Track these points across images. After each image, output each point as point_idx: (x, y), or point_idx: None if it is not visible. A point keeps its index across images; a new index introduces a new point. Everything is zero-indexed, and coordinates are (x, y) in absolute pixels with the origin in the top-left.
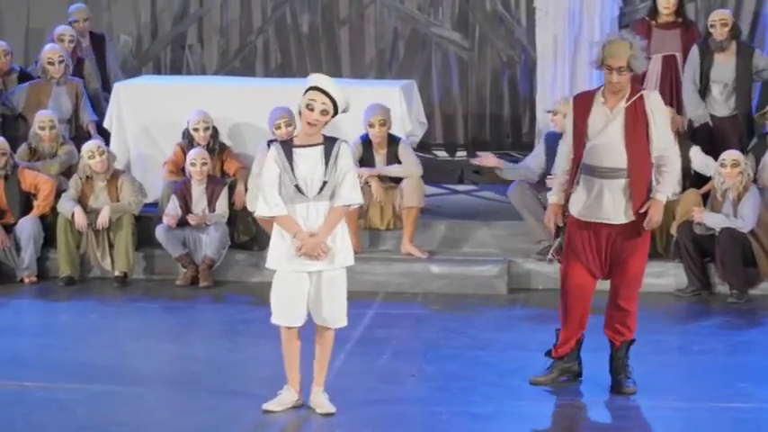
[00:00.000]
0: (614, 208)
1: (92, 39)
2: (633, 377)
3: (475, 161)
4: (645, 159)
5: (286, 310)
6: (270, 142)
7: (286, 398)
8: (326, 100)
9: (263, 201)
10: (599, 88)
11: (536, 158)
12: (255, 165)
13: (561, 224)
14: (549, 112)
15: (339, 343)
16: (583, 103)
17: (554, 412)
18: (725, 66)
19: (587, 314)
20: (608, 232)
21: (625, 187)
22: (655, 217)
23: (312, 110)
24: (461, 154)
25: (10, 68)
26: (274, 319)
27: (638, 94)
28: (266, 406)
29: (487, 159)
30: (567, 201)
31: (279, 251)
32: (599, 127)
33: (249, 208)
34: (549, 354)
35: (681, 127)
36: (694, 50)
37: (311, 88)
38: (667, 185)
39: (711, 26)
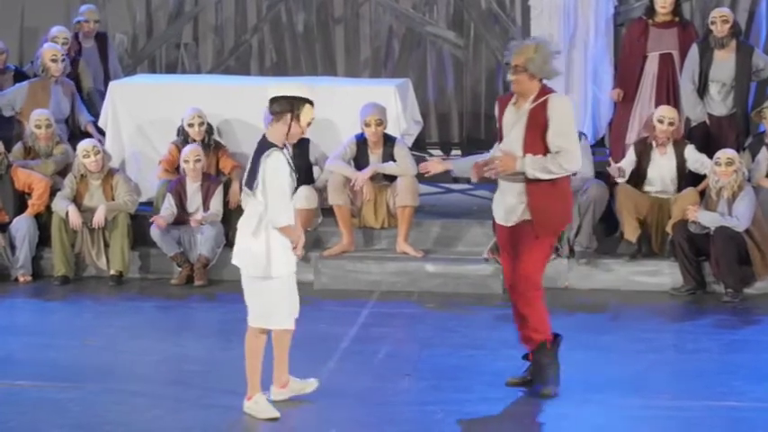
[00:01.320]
0: (515, 209)
1: (95, 38)
2: (550, 380)
3: (422, 171)
4: None
5: (292, 309)
6: None
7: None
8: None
9: (285, 210)
10: None
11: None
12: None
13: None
14: None
15: (334, 342)
16: (502, 104)
17: (548, 411)
18: (724, 64)
19: None
20: (511, 232)
21: (522, 190)
22: (499, 165)
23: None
24: (456, 153)
25: (5, 67)
26: (286, 323)
27: (545, 97)
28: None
29: (433, 165)
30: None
31: (280, 257)
32: (509, 127)
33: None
34: (526, 357)
35: (678, 135)
36: (694, 49)
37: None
38: (536, 162)
39: (712, 23)
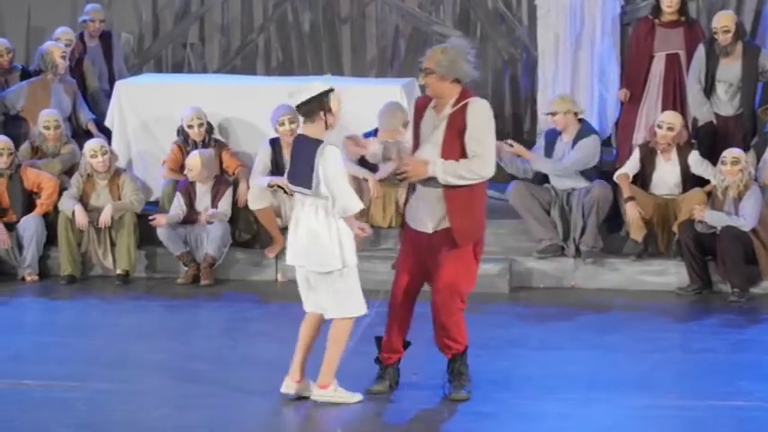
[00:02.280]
0: (431, 216)
1: (100, 37)
2: (468, 386)
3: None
4: None
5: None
6: (272, 140)
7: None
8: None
9: (354, 197)
10: None
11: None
12: (257, 163)
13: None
14: (548, 114)
15: None
16: (420, 107)
17: (555, 410)
18: (731, 66)
19: (410, 319)
20: (428, 240)
21: (440, 196)
22: (409, 167)
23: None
24: None
25: (12, 66)
26: (365, 308)
27: (465, 102)
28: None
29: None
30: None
31: (351, 246)
32: (428, 132)
33: (251, 206)
34: (378, 361)
35: (680, 140)
36: (700, 50)
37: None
38: (448, 166)
39: (714, 33)
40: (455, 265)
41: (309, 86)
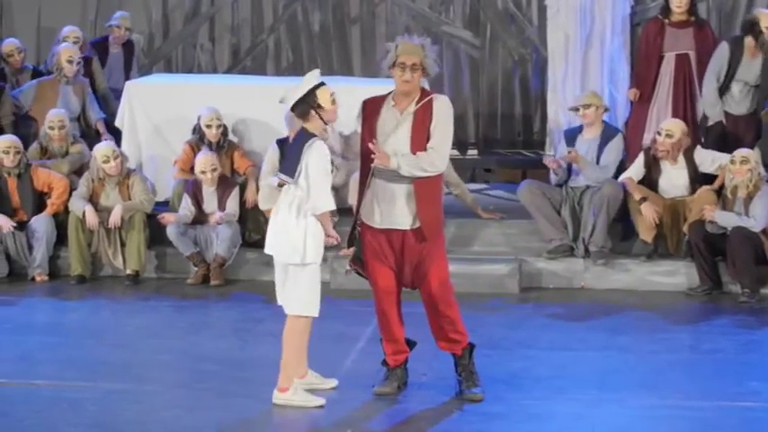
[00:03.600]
0: (404, 213)
1: (123, 44)
2: (481, 384)
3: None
4: None
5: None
6: (279, 141)
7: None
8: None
9: (327, 197)
10: (390, 93)
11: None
12: (266, 163)
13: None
14: (576, 108)
15: (350, 342)
16: (373, 107)
17: (565, 410)
18: (752, 65)
19: (401, 315)
20: (401, 238)
21: (409, 194)
22: (378, 158)
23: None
24: (472, 152)
25: (23, 66)
26: (313, 312)
27: (428, 98)
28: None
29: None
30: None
31: (316, 245)
32: (389, 130)
33: (261, 206)
34: (384, 363)
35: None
36: (724, 48)
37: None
38: (410, 159)
39: (760, 31)
40: (441, 261)
41: (295, 88)
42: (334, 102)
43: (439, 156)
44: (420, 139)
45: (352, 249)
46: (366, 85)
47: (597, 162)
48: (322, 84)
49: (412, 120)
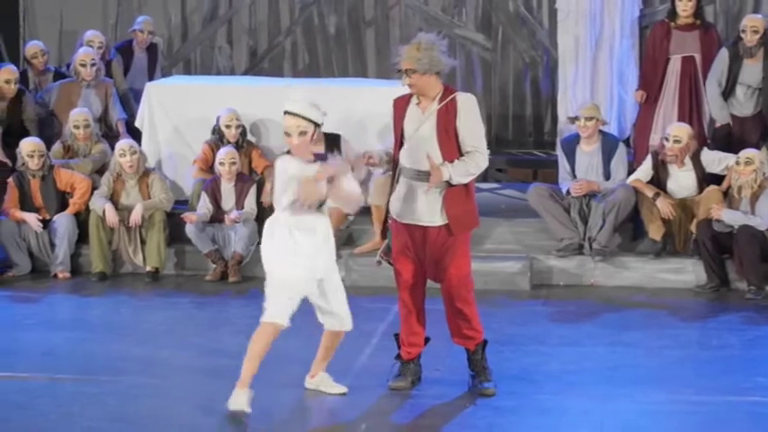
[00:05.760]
0: (428, 210)
1: (147, 48)
2: (493, 378)
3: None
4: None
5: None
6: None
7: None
8: (301, 122)
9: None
10: None
11: (564, 168)
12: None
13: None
14: (570, 118)
15: (364, 338)
16: (400, 106)
17: (576, 405)
18: (753, 69)
19: (424, 310)
20: (423, 234)
21: (439, 189)
22: (432, 180)
23: (290, 135)
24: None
25: (46, 68)
26: (273, 319)
27: (452, 96)
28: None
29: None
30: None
31: (281, 259)
32: (413, 128)
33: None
34: (398, 357)
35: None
36: (723, 52)
37: (285, 113)
38: (458, 168)
39: (742, 31)
40: (463, 259)
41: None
42: (288, 134)
43: (482, 155)
44: (446, 138)
45: (367, 246)
46: (380, 87)
47: (604, 171)
48: (284, 112)
49: (435, 118)
